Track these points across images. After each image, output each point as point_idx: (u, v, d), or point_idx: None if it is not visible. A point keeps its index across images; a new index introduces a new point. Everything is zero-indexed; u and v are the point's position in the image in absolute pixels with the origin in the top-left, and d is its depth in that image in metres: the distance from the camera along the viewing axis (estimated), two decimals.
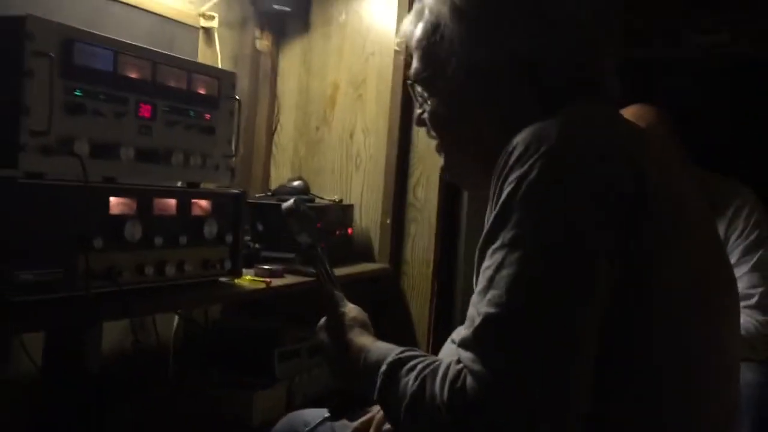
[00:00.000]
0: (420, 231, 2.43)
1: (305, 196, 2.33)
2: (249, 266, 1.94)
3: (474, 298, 0.88)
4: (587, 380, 0.84)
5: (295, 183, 2.40)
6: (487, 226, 0.91)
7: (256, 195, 2.41)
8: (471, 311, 0.88)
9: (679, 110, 2.22)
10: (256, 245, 2.12)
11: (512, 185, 0.87)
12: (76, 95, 1.32)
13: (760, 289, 1.98)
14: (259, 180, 2.64)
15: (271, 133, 2.68)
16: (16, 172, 1.24)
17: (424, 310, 2.40)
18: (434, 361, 0.92)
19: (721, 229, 2.00)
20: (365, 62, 2.51)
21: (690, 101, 2.84)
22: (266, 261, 2.03)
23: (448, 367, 0.87)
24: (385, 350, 1.01)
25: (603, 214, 0.85)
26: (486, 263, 0.87)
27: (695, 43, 2.93)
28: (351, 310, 1.19)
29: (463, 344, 0.86)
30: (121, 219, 1.41)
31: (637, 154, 0.92)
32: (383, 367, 0.96)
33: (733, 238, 2.02)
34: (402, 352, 0.98)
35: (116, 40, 1.43)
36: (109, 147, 1.39)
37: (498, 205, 0.89)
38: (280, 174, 2.65)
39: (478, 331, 0.84)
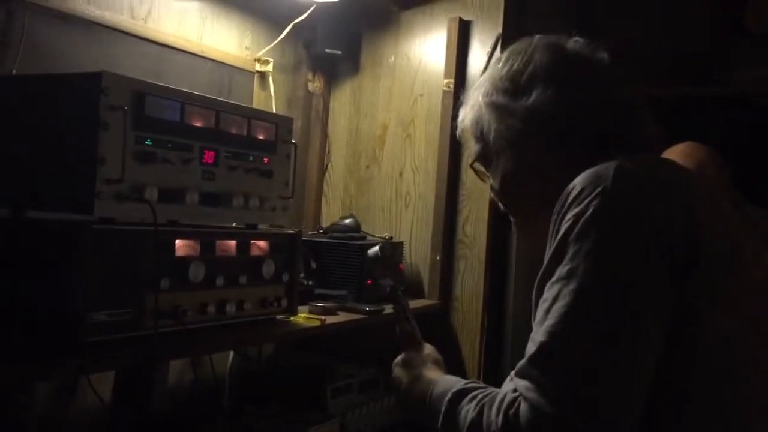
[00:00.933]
0: (469, 267, 2.45)
1: (356, 234, 2.38)
2: (303, 303, 2.00)
3: (534, 328, 0.92)
4: (638, 412, 0.86)
5: (347, 221, 2.45)
6: (545, 262, 0.95)
7: (309, 233, 2.47)
8: (529, 345, 0.92)
9: (728, 146, 2.21)
10: (310, 283, 2.17)
11: (569, 223, 0.92)
12: (146, 145, 1.40)
13: None
14: (310, 218, 2.71)
15: (322, 171, 2.75)
16: (91, 217, 1.31)
17: (474, 346, 2.41)
18: (494, 391, 0.97)
19: None
20: (414, 103, 2.57)
21: (739, 137, 2.82)
22: (319, 298, 2.08)
23: (505, 395, 0.92)
24: (453, 382, 1.09)
25: (656, 254, 0.89)
26: (544, 296, 0.92)
27: (742, 78, 2.91)
28: (426, 348, 1.31)
29: (519, 372, 0.90)
30: (185, 260, 1.47)
31: (689, 198, 0.95)
32: (448, 395, 1.04)
33: None
34: (467, 384, 1.05)
35: (182, 91, 1.51)
36: (176, 192, 1.47)
37: (555, 242, 0.94)
38: (332, 212, 2.72)
39: (533, 360, 0.88)
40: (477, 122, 1.18)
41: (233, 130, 1.61)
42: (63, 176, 1.37)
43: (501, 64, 1.17)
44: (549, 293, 0.91)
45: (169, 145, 1.45)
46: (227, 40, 2.35)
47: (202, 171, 1.54)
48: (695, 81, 2.82)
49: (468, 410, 0.97)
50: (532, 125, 1.10)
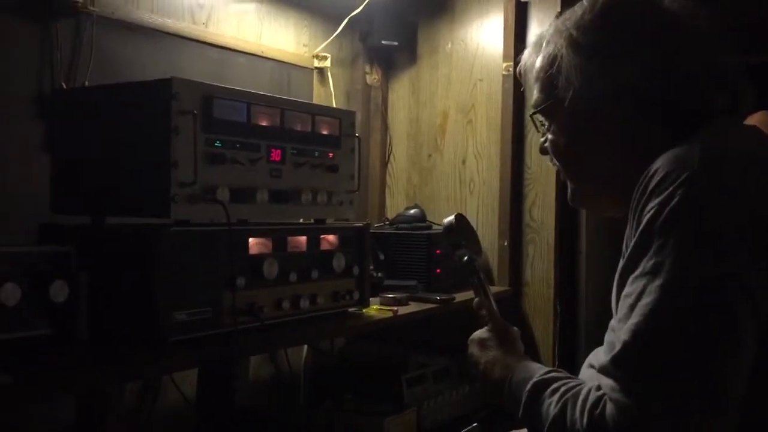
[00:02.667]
0: (538, 252, 2.42)
1: (422, 224, 2.38)
2: (374, 295, 2.01)
3: (614, 323, 0.89)
4: (730, 417, 0.82)
5: (412, 211, 2.45)
6: (626, 253, 0.91)
7: (375, 225, 2.48)
8: (610, 336, 0.89)
9: None
10: (379, 274, 2.18)
11: (652, 212, 0.87)
12: (216, 146, 1.42)
13: None
14: (375, 210, 2.72)
15: (384, 163, 2.76)
16: (168, 220, 1.35)
17: (547, 331, 2.38)
18: (577, 385, 0.93)
19: None
20: (473, 88, 2.55)
21: None
22: (389, 289, 2.09)
23: (588, 393, 0.88)
24: (532, 370, 1.04)
25: (749, 245, 0.84)
26: (626, 290, 0.88)
27: None
28: (504, 325, 1.24)
29: (603, 371, 0.87)
30: (259, 258, 1.50)
31: None
32: (528, 386, 1.00)
33: None
34: (547, 373, 1.01)
35: (248, 92, 1.53)
36: (246, 191, 1.49)
37: (638, 233, 0.89)
38: (396, 203, 2.72)
39: (618, 359, 0.85)
40: (550, 69, 1.07)
41: (298, 127, 1.63)
42: (139, 181, 1.41)
43: (593, 13, 1.05)
44: (633, 288, 0.87)
45: (238, 145, 1.47)
46: (285, 39, 2.37)
47: (270, 169, 1.56)
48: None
49: (550, 404, 0.93)
50: (620, 94, 1.01)
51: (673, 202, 0.86)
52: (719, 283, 0.83)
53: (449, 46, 2.61)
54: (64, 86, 1.68)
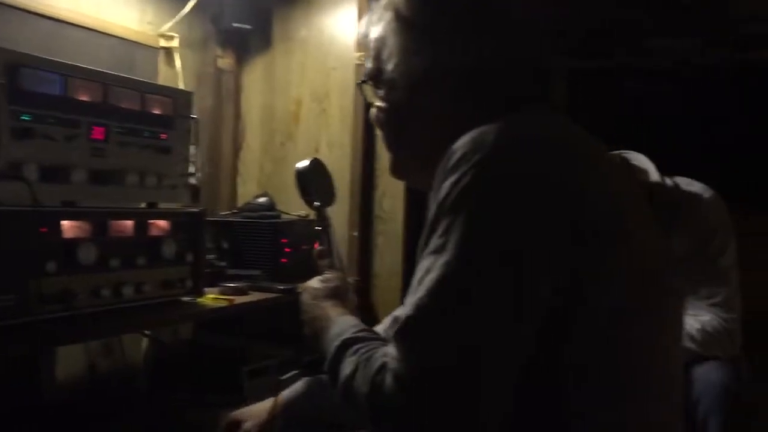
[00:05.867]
0: (388, 243, 2.43)
1: (270, 212, 2.33)
2: (214, 285, 1.94)
3: (406, 299, 0.89)
4: (503, 393, 0.84)
5: (261, 199, 2.40)
6: (424, 230, 0.92)
7: (222, 213, 2.41)
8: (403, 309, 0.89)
9: (641, 115, 2.24)
10: (222, 263, 2.11)
11: (446, 191, 0.89)
12: (23, 120, 1.31)
13: (724, 288, 2.00)
14: (226, 198, 2.64)
15: (236, 150, 2.68)
16: None
17: None
18: (375, 347, 0.94)
19: (685, 236, 2.01)
20: (327, 77, 2.52)
21: (652, 105, 2.88)
22: (232, 279, 2.03)
23: (377, 359, 0.90)
24: (346, 327, 1.05)
25: (532, 229, 0.86)
26: (418, 266, 0.89)
27: (662, 49, 2.96)
28: (337, 279, 1.25)
29: (391, 339, 0.88)
30: (74, 242, 1.40)
31: (574, 167, 0.92)
32: (337, 342, 1.01)
33: (696, 244, 2.03)
34: (357, 332, 1.02)
35: (65, 63, 1.43)
36: (61, 170, 1.39)
37: (433, 211, 0.90)
38: (248, 191, 2.65)
39: (400, 332, 0.86)
40: (379, 42, 1.10)
41: (124, 105, 1.54)
42: None
43: None
44: (423, 264, 0.88)
45: (51, 120, 1.37)
46: (128, 15, 2.25)
47: (91, 148, 1.46)
48: (607, 52, 2.85)
49: (347, 364, 0.95)
50: (436, 73, 1.03)
51: (463, 183, 0.87)
52: (500, 263, 0.85)
53: (304, 32, 2.57)
54: None
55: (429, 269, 0.86)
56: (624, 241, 0.91)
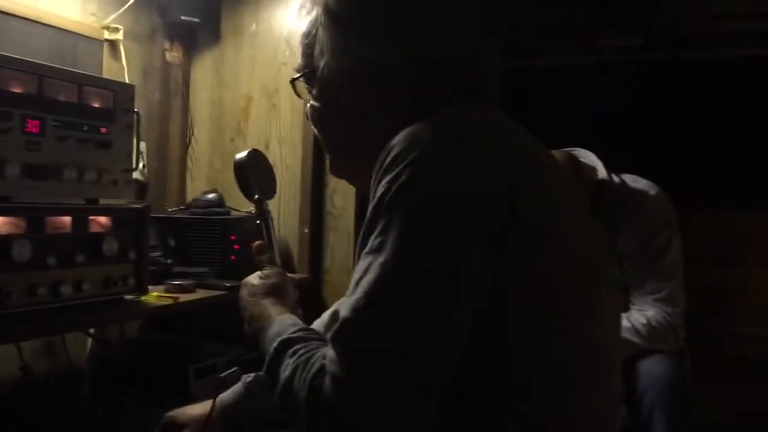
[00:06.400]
0: (339, 239, 2.41)
1: (219, 209, 2.29)
2: (160, 283, 1.90)
3: (344, 299, 0.88)
4: (437, 393, 0.83)
5: (210, 196, 2.36)
6: (362, 229, 0.90)
7: (170, 209, 2.36)
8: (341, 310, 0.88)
9: (599, 113, 2.26)
10: (168, 261, 2.07)
11: (383, 189, 0.87)
12: None
13: (669, 283, 2.03)
14: (174, 194, 2.59)
15: (185, 146, 2.63)
16: None
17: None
18: (315, 348, 0.92)
19: (631, 232, 2.03)
20: (278, 72, 2.49)
21: (610, 103, 2.91)
22: (179, 276, 1.99)
23: (315, 362, 0.88)
24: (285, 326, 1.03)
25: (470, 227, 0.85)
26: (357, 267, 0.87)
27: (608, 47, 2.99)
28: (276, 275, 1.22)
29: (329, 341, 0.86)
30: (7, 239, 1.35)
31: (509, 161, 0.91)
32: (275, 343, 0.98)
33: (642, 240, 2.06)
34: (296, 331, 0.99)
35: None
36: None
37: (370, 210, 0.88)
38: (197, 187, 2.60)
39: (337, 334, 0.85)
40: (309, 38, 1.08)
41: (61, 97, 1.49)
42: None
43: None
44: (361, 264, 0.86)
45: None
46: (69, 5, 2.18)
47: (25, 141, 1.42)
48: (565, 51, 2.87)
49: (286, 366, 0.92)
50: (365, 70, 1.01)
51: (400, 181, 0.85)
52: (436, 263, 0.84)
53: (254, 27, 2.53)
54: None
55: (366, 270, 0.85)
56: (554, 239, 0.91)
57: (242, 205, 2.42)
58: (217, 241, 2.16)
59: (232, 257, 2.18)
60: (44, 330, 1.56)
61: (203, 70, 2.61)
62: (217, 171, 2.60)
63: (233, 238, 2.18)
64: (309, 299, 2.40)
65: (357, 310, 0.83)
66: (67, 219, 1.50)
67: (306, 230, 2.40)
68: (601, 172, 2.07)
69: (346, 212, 2.39)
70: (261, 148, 2.48)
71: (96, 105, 1.58)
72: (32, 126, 1.42)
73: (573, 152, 2.09)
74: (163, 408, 1.94)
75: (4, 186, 1.37)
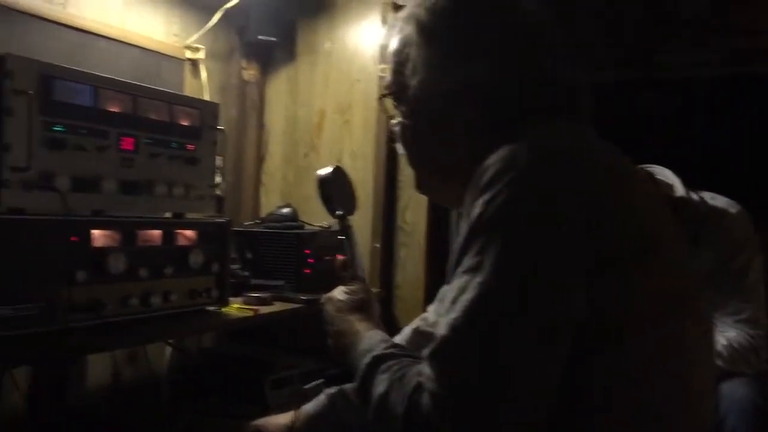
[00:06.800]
0: (410, 254, 2.43)
1: (293, 223, 2.34)
2: (238, 294, 1.95)
3: (440, 318, 0.89)
4: (537, 414, 0.83)
5: (284, 210, 2.40)
6: (457, 248, 0.91)
7: (245, 223, 2.42)
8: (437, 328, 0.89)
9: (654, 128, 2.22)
10: (246, 273, 2.12)
11: (479, 209, 0.88)
12: (55, 131, 1.33)
13: (750, 304, 1.98)
14: (249, 208, 2.65)
15: (259, 161, 2.70)
16: None
17: None
18: (408, 365, 0.93)
19: (710, 251, 1.99)
20: (351, 88, 2.54)
21: (665, 119, 2.86)
22: (256, 289, 2.04)
23: (412, 378, 0.89)
24: (375, 342, 1.04)
25: (569, 247, 0.85)
26: (452, 285, 0.88)
27: (672, 63, 2.94)
28: (362, 290, 1.23)
29: (425, 359, 0.87)
30: (104, 251, 1.41)
31: (607, 181, 0.91)
32: (366, 359, 1.00)
33: (721, 259, 2.02)
34: (387, 348, 1.01)
35: (96, 75, 1.44)
36: (92, 181, 1.41)
37: (466, 229, 0.89)
38: (270, 201, 2.66)
39: (434, 352, 0.86)
40: (400, 54, 1.07)
41: (153, 116, 1.56)
42: None
43: (447, 2, 1.04)
44: (457, 283, 0.87)
45: (82, 131, 1.39)
46: (153, 27, 2.27)
47: (121, 158, 1.48)
48: (622, 65, 2.84)
49: (380, 381, 0.93)
50: (463, 90, 1.01)
51: (498, 201, 0.86)
52: (536, 283, 0.84)
53: (328, 45, 2.58)
54: None
55: (464, 289, 0.85)
56: (653, 261, 0.90)
57: (315, 220, 2.47)
58: (291, 255, 2.20)
59: (307, 270, 2.21)
60: (137, 339, 1.62)
61: (278, 87, 2.68)
62: (290, 185, 2.65)
63: (307, 252, 2.22)
64: (380, 314, 2.42)
65: (455, 329, 0.84)
66: (157, 233, 1.55)
67: (377, 245, 2.42)
68: (679, 189, 2.04)
69: (417, 228, 2.41)
70: (333, 163, 2.54)
71: (184, 123, 1.64)
72: (127, 143, 1.49)
73: (649, 169, 2.06)
74: (240, 418, 1.98)
75: (101, 200, 1.44)
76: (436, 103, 1.04)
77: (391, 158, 2.43)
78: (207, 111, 1.70)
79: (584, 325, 0.85)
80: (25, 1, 1.83)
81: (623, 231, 0.87)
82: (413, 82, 1.06)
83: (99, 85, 1.42)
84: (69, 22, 1.96)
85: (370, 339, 1.07)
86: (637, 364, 0.88)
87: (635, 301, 0.87)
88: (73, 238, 1.34)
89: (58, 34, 1.93)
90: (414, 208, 2.42)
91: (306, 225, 2.38)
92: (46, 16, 1.89)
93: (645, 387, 0.88)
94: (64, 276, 1.32)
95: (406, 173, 2.43)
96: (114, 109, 1.46)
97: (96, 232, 1.40)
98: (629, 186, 0.95)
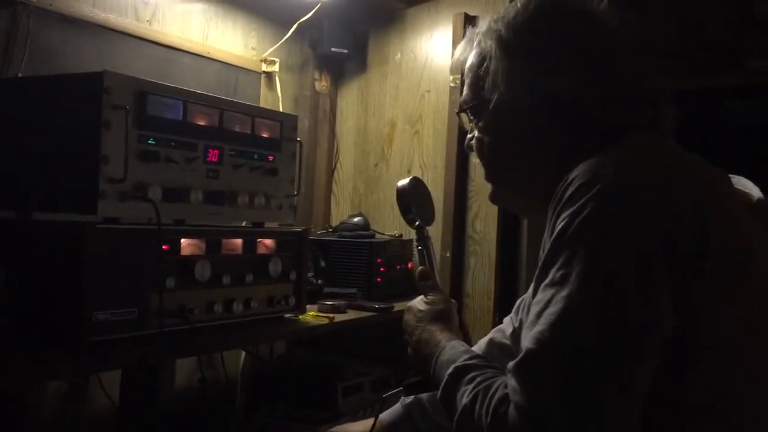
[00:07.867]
0: (480, 263, 2.43)
1: (365, 232, 2.38)
2: (312, 302, 1.99)
3: (524, 331, 0.90)
4: (623, 428, 0.83)
5: (356, 219, 2.45)
6: (540, 261, 0.92)
7: (318, 232, 2.47)
8: (522, 341, 0.90)
9: (746, 135, 2.17)
10: (319, 281, 2.17)
11: (564, 222, 0.88)
12: (149, 144, 1.39)
13: None
14: (320, 217, 2.70)
15: (331, 171, 2.75)
16: (95, 217, 1.31)
17: None
18: (492, 377, 0.94)
19: None
20: (421, 99, 2.56)
21: (757, 126, 2.78)
22: (329, 297, 2.08)
23: (497, 389, 0.90)
24: (458, 353, 1.05)
25: (656, 260, 0.84)
26: (537, 298, 0.89)
27: (757, 67, 2.86)
28: (442, 300, 1.24)
29: (510, 372, 0.88)
30: (191, 259, 1.47)
31: (696, 197, 0.89)
32: (450, 370, 1.01)
33: None
34: (470, 359, 1.02)
35: (185, 90, 1.51)
36: (180, 191, 1.46)
37: (551, 242, 0.90)
38: (341, 211, 2.71)
39: (520, 364, 0.86)
40: (478, 68, 1.08)
41: (237, 129, 1.61)
42: (67, 176, 1.37)
43: (524, 16, 1.05)
44: (542, 296, 0.88)
45: (173, 143, 1.45)
46: (232, 41, 2.35)
47: (207, 169, 1.54)
48: (711, 72, 2.77)
49: (464, 393, 0.94)
50: (543, 104, 1.02)
51: (584, 214, 0.86)
52: (623, 297, 0.84)
53: (398, 56, 2.62)
54: None
55: (549, 302, 0.86)
56: (750, 273, 0.89)
57: (386, 229, 2.51)
58: (363, 264, 2.24)
59: (378, 279, 2.25)
60: (222, 344, 1.67)
61: (349, 98, 2.73)
62: (360, 195, 2.69)
63: (379, 260, 2.26)
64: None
65: (542, 342, 0.85)
66: (239, 241, 1.60)
67: (448, 255, 2.44)
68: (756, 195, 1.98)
69: (487, 237, 2.41)
70: (403, 174, 2.58)
71: (265, 135, 1.69)
72: (213, 155, 1.54)
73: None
74: (313, 424, 2.03)
75: (190, 211, 1.49)
76: (516, 117, 1.05)
77: (461, 168, 2.44)
78: (286, 123, 1.75)
79: (677, 339, 0.84)
80: (115, 18, 1.92)
81: (716, 243, 0.86)
82: (492, 96, 1.07)
83: (188, 99, 1.48)
84: (155, 39, 2.04)
85: (453, 349, 1.08)
86: (727, 382, 0.87)
87: (727, 317, 0.87)
88: (165, 247, 1.40)
89: (145, 51, 2.02)
90: (484, 218, 2.42)
91: (377, 234, 2.42)
92: (134, 33, 1.97)
93: (741, 402, 0.87)
94: (156, 282, 1.38)
95: (477, 183, 2.44)
96: (202, 122, 1.51)
97: (185, 241, 1.46)
98: (720, 199, 0.94)
